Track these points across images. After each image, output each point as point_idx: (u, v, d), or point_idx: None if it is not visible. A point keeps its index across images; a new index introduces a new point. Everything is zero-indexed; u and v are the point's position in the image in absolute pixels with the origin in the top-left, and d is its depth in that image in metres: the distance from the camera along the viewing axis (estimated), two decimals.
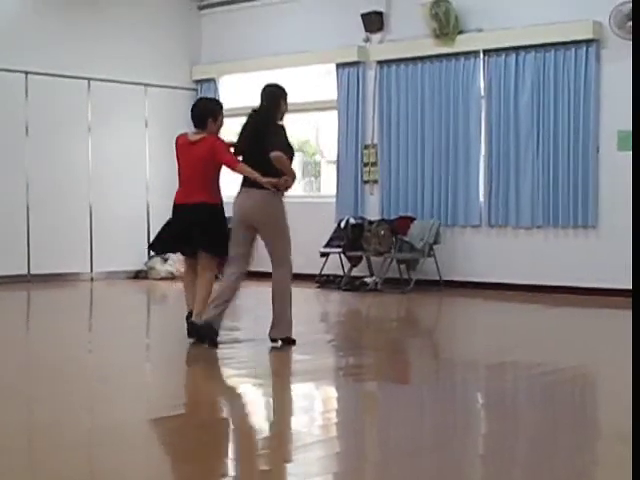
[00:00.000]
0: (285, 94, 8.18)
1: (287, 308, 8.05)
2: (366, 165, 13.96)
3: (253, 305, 12.29)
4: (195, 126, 8.52)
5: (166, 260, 15.06)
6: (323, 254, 13.57)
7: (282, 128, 8.05)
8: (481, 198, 13.02)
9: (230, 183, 8.61)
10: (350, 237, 13.32)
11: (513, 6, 12.59)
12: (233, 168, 8.14)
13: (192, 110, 8.63)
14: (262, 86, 8.33)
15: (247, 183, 7.98)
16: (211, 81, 15.80)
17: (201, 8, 16.03)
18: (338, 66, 14.20)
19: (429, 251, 12.89)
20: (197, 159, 8.42)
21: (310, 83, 14.78)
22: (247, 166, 7.95)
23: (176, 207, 8.77)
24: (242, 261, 8.07)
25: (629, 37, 11.37)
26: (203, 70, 15.83)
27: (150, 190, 15.32)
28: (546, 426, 5.48)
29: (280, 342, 8.05)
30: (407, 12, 13.44)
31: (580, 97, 12.07)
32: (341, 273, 13.50)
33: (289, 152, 7.98)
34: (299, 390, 6.73)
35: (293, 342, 8.05)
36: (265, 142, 7.84)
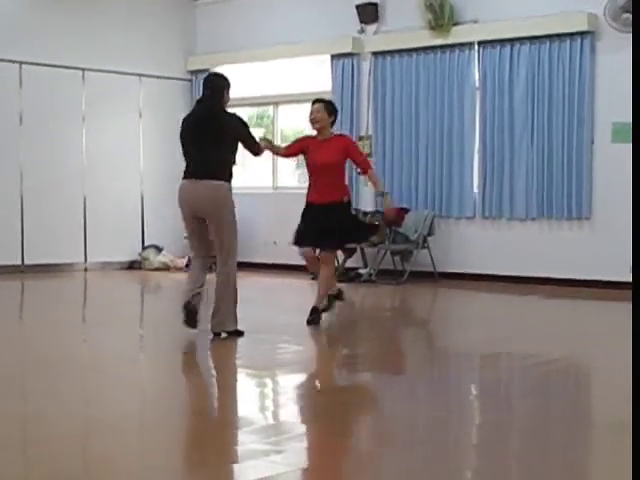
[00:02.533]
0: (229, 85, 8.17)
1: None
2: None
3: (248, 296, 12.30)
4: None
5: (160, 251, 15.06)
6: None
7: (234, 116, 8.08)
8: (475, 189, 13.03)
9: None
10: None
11: None
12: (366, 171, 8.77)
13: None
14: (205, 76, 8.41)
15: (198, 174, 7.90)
16: (206, 72, 15.68)
17: None
18: (333, 57, 14.19)
19: (423, 242, 12.90)
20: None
21: (305, 74, 14.76)
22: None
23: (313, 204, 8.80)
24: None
25: (624, 29, 11.38)
26: (198, 61, 15.81)
27: (144, 180, 15.32)
28: (540, 416, 5.49)
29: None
30: (402, 3, 13.44)
31: (575, 89, 12.07)
32: (335, 264, 13.48)
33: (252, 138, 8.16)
34: (292, 381, 6.73)
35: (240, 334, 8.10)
36: (223, 132, 7.83)
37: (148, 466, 4.44)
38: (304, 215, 8.79)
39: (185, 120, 8.10)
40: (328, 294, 8.90)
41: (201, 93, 8.15)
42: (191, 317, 7.91)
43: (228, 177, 7.90)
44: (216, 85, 8.05)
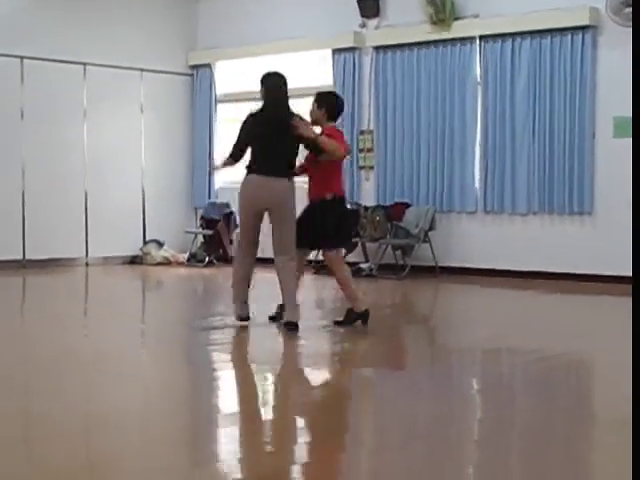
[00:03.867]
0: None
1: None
2: (362, 151, 13.95)
3: (253, 290, 12.31)
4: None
5: (161, 246, 15.07)
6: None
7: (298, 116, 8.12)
8: (477, 184, 13.02)
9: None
10: None
11: None
12: None
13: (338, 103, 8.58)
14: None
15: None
16: (207, 67, 15.77)
17: None
18: (334, 52, 14.18)
19: (424, 237, 12.90)
20: None
21: (306, 69, 14.75)
22: None
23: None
24: None
25: (625, 23, 11.37)
26: (199, 55, 15.80)
27: (146, 175, 15.31)
28: (541, 412, 5.49)
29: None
30: None
31: (576, 83, 12.06)
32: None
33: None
34: (292, 376, 6.74)
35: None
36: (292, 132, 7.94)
37: (150, 462, 4.44)
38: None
39: (254, 116, 8.15)
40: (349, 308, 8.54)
41: (264, 91, 8.13)
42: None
43: (292, 174, 8.13)
44: (284, 84, 8.14)
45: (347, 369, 6.99)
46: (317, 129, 8.36)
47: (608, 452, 4.67)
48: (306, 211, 8.43)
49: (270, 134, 8.00)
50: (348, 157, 9.32)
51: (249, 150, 8.13)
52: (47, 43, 13.95)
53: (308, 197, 8.46)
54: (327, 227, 8.28)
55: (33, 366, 6.83)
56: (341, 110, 8.63)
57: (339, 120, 8.88)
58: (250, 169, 8.07)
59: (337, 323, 8.45)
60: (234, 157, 8.24)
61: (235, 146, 8.19)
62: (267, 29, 14.79)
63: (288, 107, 8.13)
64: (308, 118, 8.37)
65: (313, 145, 8.09)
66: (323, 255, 8.78)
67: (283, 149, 8.01)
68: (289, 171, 8.08)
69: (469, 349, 7.71)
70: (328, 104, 8.47)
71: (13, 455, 4.52)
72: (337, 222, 8.32)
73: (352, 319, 8.39)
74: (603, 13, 11.78)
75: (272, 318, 8.59)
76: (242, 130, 8.18)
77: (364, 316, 8.40)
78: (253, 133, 8.10)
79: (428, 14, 12.98)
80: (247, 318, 8.34)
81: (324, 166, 8.24)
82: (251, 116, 8.19)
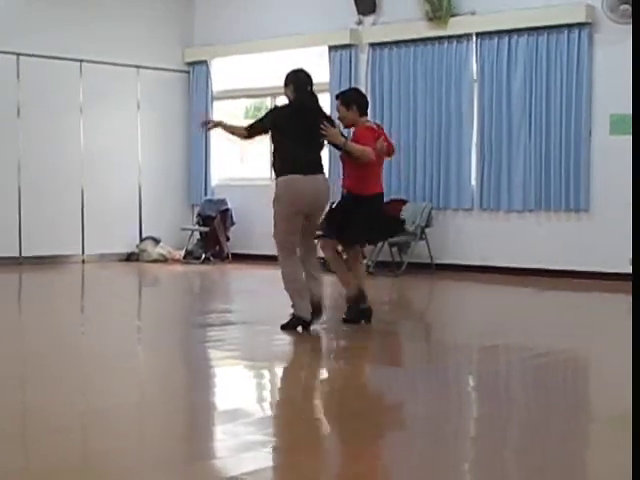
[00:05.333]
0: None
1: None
2: None
3: (246, 288, 12.33)
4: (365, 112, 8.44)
5: (158, 243, 15.07)
6: (315, 237, 13.52)
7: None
8: (473, 181, 13.03)
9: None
10: None
11: None
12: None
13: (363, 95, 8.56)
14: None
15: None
16: (203, 63, 15.76)
17: None
18: (330, 49, 14.17)
19: (421, 234, 12.90)
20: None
21: (302, 66, 14.68)
22: None
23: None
24: None
25: (622, 20, 11.38)
26: (195, 52, 15.79)
27: (142, 172, 15.30)
28: (538, 409, 5.50)
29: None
30: None
31: (572, 80, 12.07)
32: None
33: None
34: (289, 373, 6.74)
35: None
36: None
37: (146, 458, 4.44)
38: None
39: (285, 114, 8.02)
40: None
41: (293, 90, 8.03)
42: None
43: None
44: (311, 83, 8.08)
45: (343, 366, 6.99)
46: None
47: (604, 449, 4.67)
48: (341, 205, 8.43)
49: (307, 131, 7.86)
50: (392, 156, 9.02)
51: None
52: (43, 40, 13.94)
53: (344, 190, 8.43)
54: (359, 223, 8.17)
55: (29, 362, 6.83)
56: (367, 101, 8.52)
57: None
58: (286, 169, 7.82)
59: (345, 320, 8.32)
60: (248, 134, 8.09)
61: (254, 127, 8.06)
62: (263, 26, 14.78)
63: (319, 105, 8.07)
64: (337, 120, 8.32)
65: (344, 151, 8.08)
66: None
67: (317, 147, 7.97)
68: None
69: (465, 346, 7.71)
70: (355, 101, 8.34)
71: (9, 450, 4.52)
72: (368, 219, 8.18)
73: (355, 315, 8.30)
74: (599, 10, 11.78)
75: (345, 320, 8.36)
76: (268, 118, 8.04)
77: (367, 313, 8.32)
78: (285, 127, 7.88)
79: (425, 11, 12.99)
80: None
81: (359, 164, 8.11)
82: (281, 109, 8.14)
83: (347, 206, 8.32)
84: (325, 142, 8.05)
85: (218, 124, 8.52)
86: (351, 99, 8.37)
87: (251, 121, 8.33)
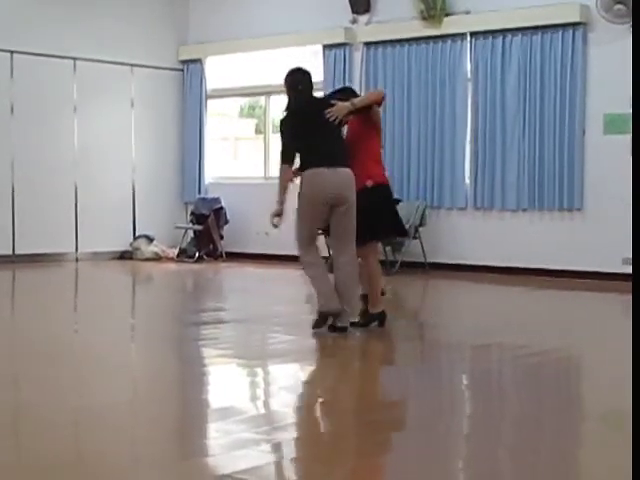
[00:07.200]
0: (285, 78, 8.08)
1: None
2: None
3: (239, 286, 12.33)
4: None
5: (151, 241, 15.06)
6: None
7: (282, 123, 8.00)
8: (467, 180, 13.03)
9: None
10: None
11: None
12: None
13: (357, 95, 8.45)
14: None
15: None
16: (197, 62, 15.75)
17: None
18: (325, 47, 14.17)
19: (415, 233, 12.90)
20: None
21: (297, 64, 14.69)
22: None
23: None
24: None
25: (616, 20, 11.39)
26: (189, 51, 15.78)
27: (136, 170, 15.30)
28: (531, 407, 5.50)
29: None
30: None
31: (567, 80, 12.07)
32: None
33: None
34: (281, 371, 6.73)
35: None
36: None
37: (139, 455, 4.45)
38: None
39: (287, 120, 7.94)
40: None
41: (287, 92, 7.99)
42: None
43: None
44: (304, 80, 7.98)
45: (336, 364, 6.99)
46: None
47: (597, 446, 4.68)
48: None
49: (314, 127, 7.81)
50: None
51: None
52: (37, 38, 13.92)
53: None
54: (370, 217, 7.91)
55: (22, 360, 6.82)
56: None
57: None
58: (305, 165, 7.74)
59: (353, 324, 8.01)
60: (290, 164, 7.82)
61: (285, 154, 7.81)
62: (258, 24, 14.77)
63: (312, 97, 8.04)
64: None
65: (357, 111, 7.88)
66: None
67: (332, 140, 7.81)
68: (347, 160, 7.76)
69: (459, 344, 7.71)
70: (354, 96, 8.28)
71: (1, 447, 4.51)
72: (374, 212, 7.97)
73: (368, 320, 8.13)
74: (593, 10, 11.79)
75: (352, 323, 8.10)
76: (283, 134, 7.88)
77: (381, 317, 8.16)
78: (295, 131, 7.83)
79: (419, 10, 12.99)
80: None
81: (358, 152, 7.93)
82: (284, 118, 8.01)
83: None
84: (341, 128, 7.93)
85: (280, 212, 7.88)
86: (350, 96, 8.23)
87: (278, 154, 7.97)
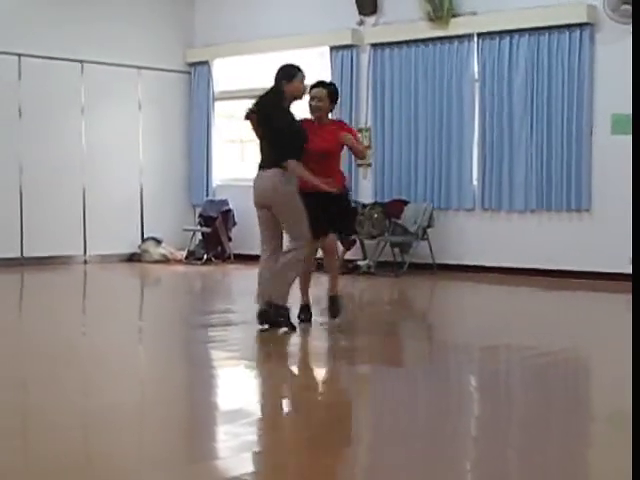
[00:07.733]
0: (285, 74, 8.16)
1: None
2: None
3: (248, 288, 12.31)
4: None
5: (159, 243, 15.07)
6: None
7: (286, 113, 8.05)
8: (474, 181, 13.02)
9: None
10: None
11: None
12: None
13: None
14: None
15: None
16: (205, 64, 15.76)
17: None
18: (332, 49, 14.18)
19: (422, 234, 12.90)
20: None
21: (303, 66, 14.69)
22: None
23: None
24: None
25: (623, 20, 11.37)
26: (197, 53, 15.79)
27: (144, 173, 15.31)
28: (539, 408, 5.50)
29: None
30: None
31: (574, 80, 12.06)
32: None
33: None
34: (290, 373, 6.74)
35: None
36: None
37: (146, 458, 4.45)
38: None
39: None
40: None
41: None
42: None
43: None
44: (281, 77, 8.29)
45: (344, 366, 6.98)
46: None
47: (605, 447, 4.67)
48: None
49: (263, 130, 8.01)
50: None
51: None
52: (45, 41, 13.95)
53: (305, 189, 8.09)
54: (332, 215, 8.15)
55: (31, 362, 6.83)
56: None
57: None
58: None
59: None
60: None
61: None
62: (265, 26, 14.78)
63: (273, 99, 8.19)
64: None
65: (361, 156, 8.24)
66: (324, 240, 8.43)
67: (267, 143, 7.93)
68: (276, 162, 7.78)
69: (466, 345, 7.71)
70: (337, 99, 8.52)
71: (9, 448, 4.52)
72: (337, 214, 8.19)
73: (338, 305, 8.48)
74: (600, 10, 11.78)
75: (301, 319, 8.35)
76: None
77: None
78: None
79: (426, 11, 12.99)
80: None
81: (324, 160, 8.06)
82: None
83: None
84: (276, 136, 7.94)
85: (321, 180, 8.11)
86: (337, 98, 8.56)
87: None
